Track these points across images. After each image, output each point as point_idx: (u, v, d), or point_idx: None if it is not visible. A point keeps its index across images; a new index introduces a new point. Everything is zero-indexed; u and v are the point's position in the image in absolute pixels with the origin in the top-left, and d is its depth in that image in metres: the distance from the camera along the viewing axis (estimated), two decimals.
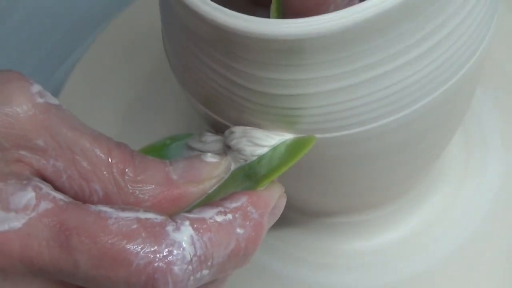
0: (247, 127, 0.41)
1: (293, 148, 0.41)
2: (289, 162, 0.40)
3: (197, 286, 0.38)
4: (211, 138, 0.42)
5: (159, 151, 0.42)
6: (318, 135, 0.41)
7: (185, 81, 0.44)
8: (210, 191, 0.41)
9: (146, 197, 0.39)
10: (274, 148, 0.41)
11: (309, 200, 0.51)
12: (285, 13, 0.42)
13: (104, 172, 0.39)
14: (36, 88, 0.39)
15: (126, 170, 0.39)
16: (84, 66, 0.64)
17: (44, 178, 0.39)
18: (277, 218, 0.41)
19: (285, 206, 0.48)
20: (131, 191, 0.39)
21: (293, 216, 0.53)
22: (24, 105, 0.39)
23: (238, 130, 0.41)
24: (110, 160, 0.39)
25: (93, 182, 0.39)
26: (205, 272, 0.37)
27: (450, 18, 0.40)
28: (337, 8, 0.40)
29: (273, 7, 0.43)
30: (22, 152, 0.39)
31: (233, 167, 0.41)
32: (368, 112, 0.40)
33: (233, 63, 0.40)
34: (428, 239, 0.53)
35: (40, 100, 0.39)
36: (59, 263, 0.37)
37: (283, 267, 0.53)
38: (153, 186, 0.40)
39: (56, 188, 0.39)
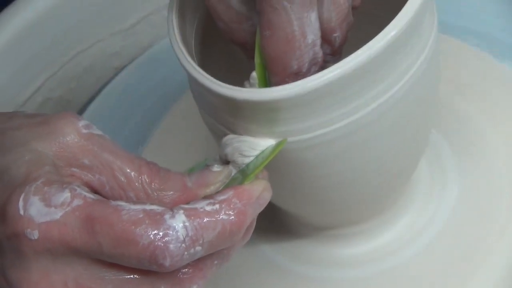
0: (235, 144, 0.47)
1: (270, 151, 0.47)
2: (266, 160, 0.46)
3: (193, 259, 0.42)
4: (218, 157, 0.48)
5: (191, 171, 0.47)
6: (291, 138, 0.47)
7: (206, 114, 0.51)
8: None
9: (167, 200, 0.44)
10: (257, 156, 0.47)
11: (307, 218, 0.59)
12: (264, 58, 0.47)
13: (136, 184, 0.44)
14: (82, 122, 0.45)
15: (153, 182, 0.44)
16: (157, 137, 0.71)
17: (92, 188, 0.44)
18: (262, 208, 0.45)
19: (295, 222, 0.56)
20: (156, 197, 0.44)
21: (300, 229, 0.61)
22: (72, 134, 0.44)
23: (229, 149, 0.47)
24: (140, 175, 0.44)
25: (129, 191, 0.44)
26: (198, 248, 0.41)
27: (390, 84, 0.47)
28: (302, 53, 0.46)
29: (256, 54, 0.48)
30: (73, 169, 0.44)
31: (234, 172, 0.46)
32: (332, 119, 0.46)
33: (230, 118, 0.48)
34: (397, 246, 0.60)
35: (84, 131, 0.44)
36: (88, 245, 0.41)
37: (291, 264, 0.61)
38: (172, 192, 0.44)
39: (102, 195, 0.43)
